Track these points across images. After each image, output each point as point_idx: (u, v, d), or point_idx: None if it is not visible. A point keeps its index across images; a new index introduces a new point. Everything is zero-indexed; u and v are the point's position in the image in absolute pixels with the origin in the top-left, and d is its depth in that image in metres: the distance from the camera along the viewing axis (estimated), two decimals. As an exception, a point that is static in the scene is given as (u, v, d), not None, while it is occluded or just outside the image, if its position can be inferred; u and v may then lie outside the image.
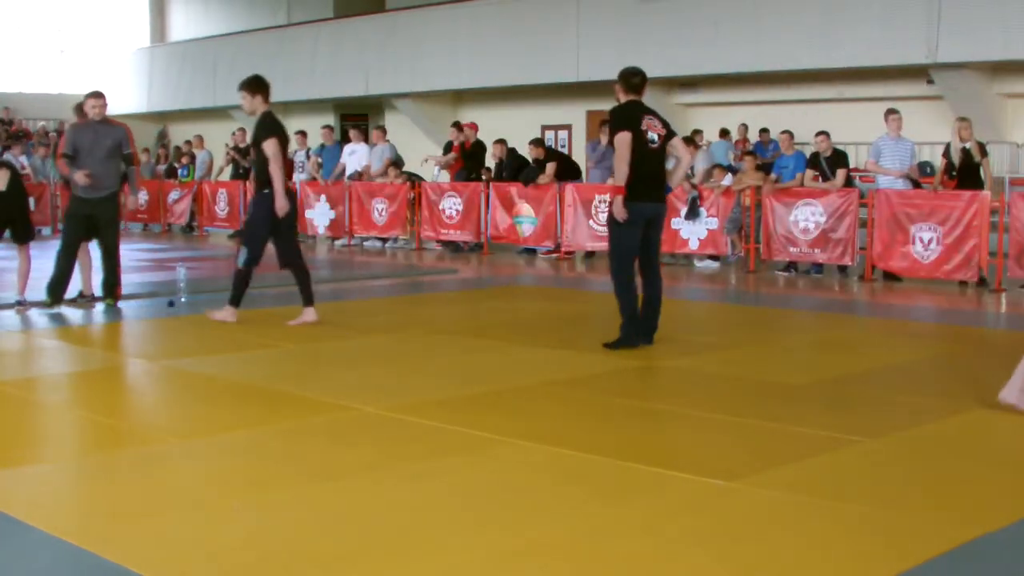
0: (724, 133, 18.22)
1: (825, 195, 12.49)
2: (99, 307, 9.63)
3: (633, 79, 7.40)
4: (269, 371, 6.76)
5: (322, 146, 18.29)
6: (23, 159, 19.75)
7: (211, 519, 3.97)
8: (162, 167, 22.00)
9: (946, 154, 12.11)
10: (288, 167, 18.64)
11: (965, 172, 11.88)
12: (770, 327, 9.10)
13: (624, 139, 7.18)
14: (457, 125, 17.43)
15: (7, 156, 16.57)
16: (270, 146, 8.35)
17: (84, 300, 9.71)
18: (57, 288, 9.32)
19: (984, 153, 11.88)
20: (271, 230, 8.42)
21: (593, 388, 6.34)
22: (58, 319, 9.05)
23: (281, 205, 8.27)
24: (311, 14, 26.03)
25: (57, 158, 9.66)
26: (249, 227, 8.60)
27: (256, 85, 8.52)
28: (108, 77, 30.89)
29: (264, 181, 8.39)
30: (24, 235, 9.45)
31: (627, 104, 7.41)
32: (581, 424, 5.45)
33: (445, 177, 16.98)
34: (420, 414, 5.50)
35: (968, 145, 11.80)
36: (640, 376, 6.76)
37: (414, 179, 16.90)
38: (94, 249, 9.81)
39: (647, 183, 7.34)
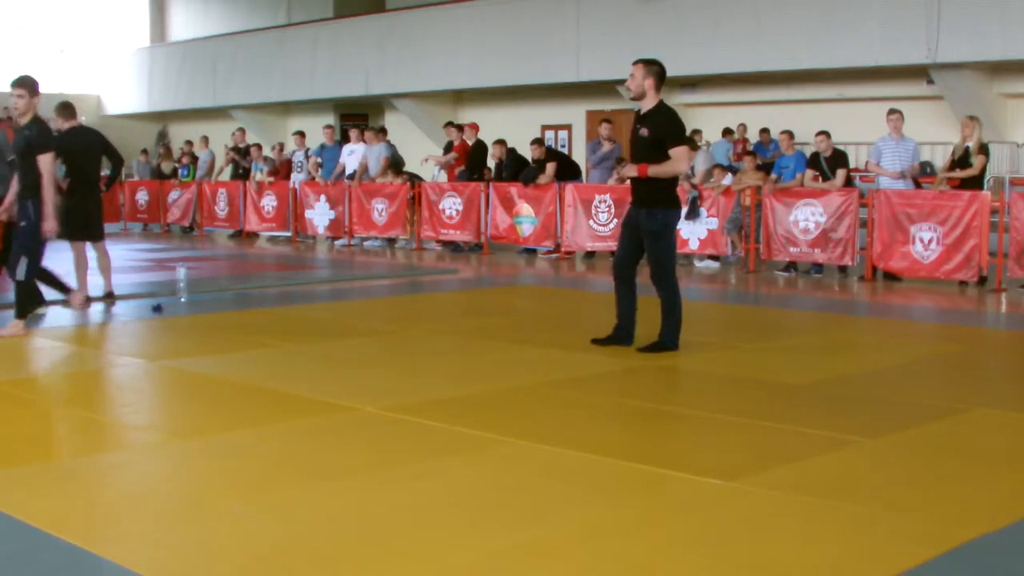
0: (727, 132, 18.21)
1: (825, 195, 12.49)
2: (96, 307, 9.65)
3: (664, 75, 7.28)
4: (269, 371, 6.76)
5: (322, 146, 18.29)
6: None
7: (211, 519, 3.97)
8: (167, 164, 21.94)
9: (953, 152, 12.14)
10: (286, 167, 18.81)
11: (973, 176, 11.88)
12: (770, 327, 9.10)
13: (687, 153, 7.20)
14: (452, 125, 17.42)
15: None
16: (46, 161, 7.95)
17: (81, 298, 9.71)
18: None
19: (982, 152, 11.81)
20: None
21: (593, 388, 6.34)
22: (57, 319, 9.05)
23: (50, 227, 7.94)
24: (311, 14, 26.03)
25: None
26: (26, 236, 8.07)
27: (36, 85, 8.19)
28: (108, 77, 30.93)
29: (36, 189, 7.94)
30: None
31: (674, 109, 7.38)
32: (581, 424, 5.45)
33: (445, 177, 16.99)
34: (420, 414, 5.50)
35: (970, 144, 11.81)
36: (640, 376, 6.76)
37: (415, 179, 16.90)
38: (89, 249, 9.84)
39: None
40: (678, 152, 7.13)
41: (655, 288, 7.38)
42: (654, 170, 7.13)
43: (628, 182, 7.50)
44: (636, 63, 7.24)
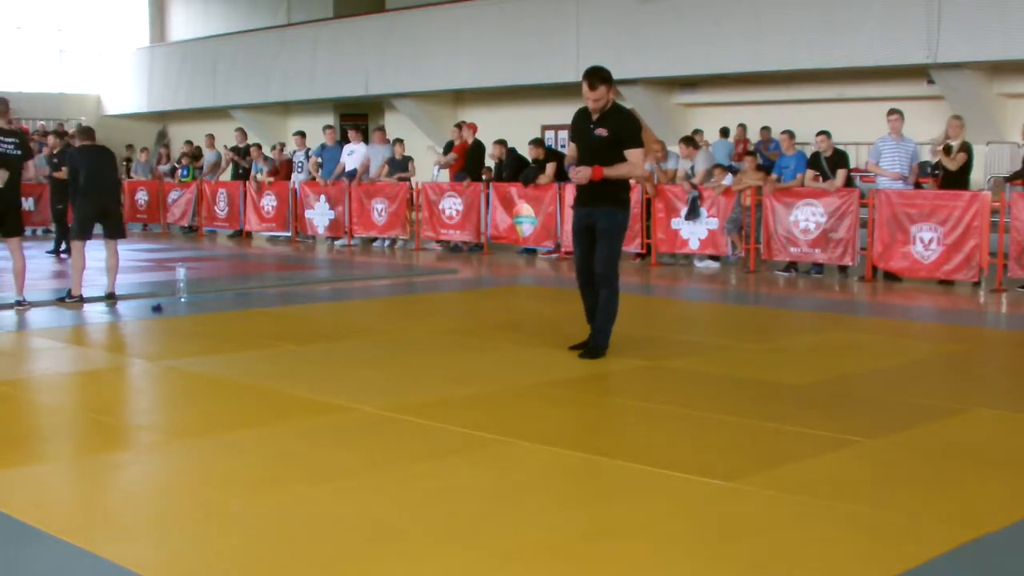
0: (724, 132, 18.20)
1: (825, 195, 12.49)
2: (96, 307, 9.65)
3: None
4: (269, 371, 6.76)
5: (323, 146, 18.30)
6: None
7: (211, 519, 3.97)
8: (164, 167, 21.97)
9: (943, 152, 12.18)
10: (286, 167, 18.82)
11: (948, 171, 11.93)
12: (770, 327, 9.10)
13: (643, 156, 7.12)
14: (460, 125, 17.43)
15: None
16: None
17: (73, 300, 9.73)
18: None
19: (963, 150, 11.84)
20: None
21: (593, 388, 6.34)
22: (57, 319, 9.05)
23: None
24: (311, 14, 26.02)
25: None
26: None
27: None
28: (108, 77, 30.93)
29: None
30: (15, 229, 9.46)
31: (628, 109, 7.34)
32: (581, 424, 5.45)
33: (446, 176, 16.99)
34: (420, 414, 5.50)
35: (953, 143, 11.86)
36: (640, 376, 6.76)
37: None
38: (89, 248, 9.91)
39: None
40: (635, 155, 7.04)
41: (601, 288, 7.18)
42: (609, 172, 7.01)
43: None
44: (597, 86, 6.95)
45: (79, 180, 10.00)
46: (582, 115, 7.21)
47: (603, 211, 7.12)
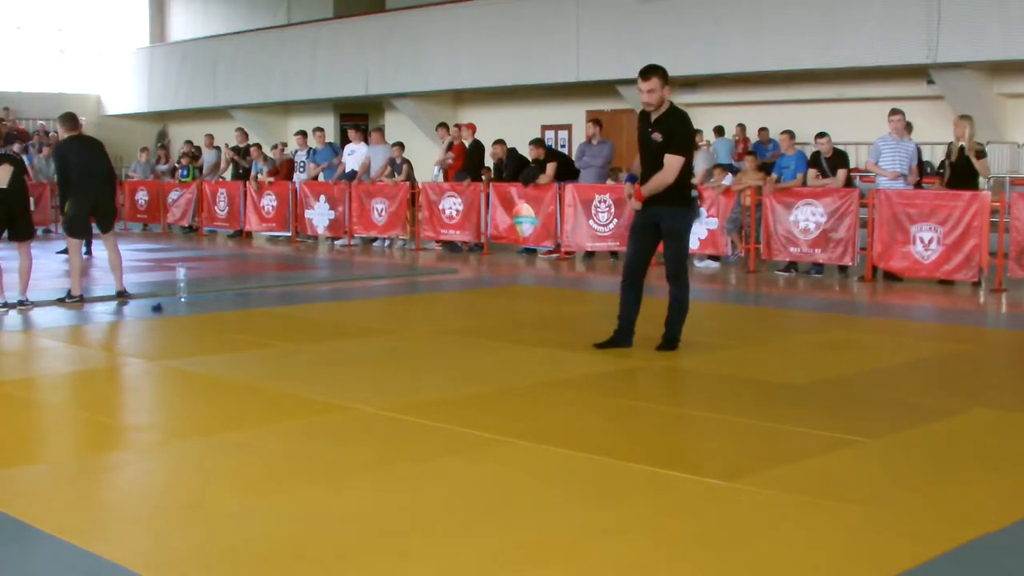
0: (720, 131, 18.18)
1: (825, 195, 12.49)
2: (96, 307, 9.65)
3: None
4: (269, 371, 6.76)
5: (311, 150, 18.34)
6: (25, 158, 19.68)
7: (211, 519, 3.97)
8: (163, 166, 21.98)
9: (948, 153, 12.16)
10: (287, 167, 18.82)
11: (958, 171, 11.91)
12: (770, 327, 9.10)
13: (680, 164, 7.11)
14: (443, 126, 17.39)
15: (12, 149, 16.32)
16: None
17: (73, 300, 9.73)
18: None
19: (981, 154, 11.85)
20: None
21: (593, 388, 6.33)
22: (57, 319, 9.05)
23: None
24: (311, 14, 26.01)
25: None
26: None
27: None
28: (108, 77, 30.93)
29: None
30: (25, 233, 9.47)
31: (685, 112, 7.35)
32: (581, 424, 5.45)
33: (442, 177, 17.00)
34: (420, 414, 5.50)
35: (963, 143, 11.83)
36: (640, 376, 6.76)
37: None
38: (99, 248, 9.92)
39: None
40: (671, 161, 7.07)
41: (671, 286, 7.39)
42: (646, 191, 7.16)
43: (636, 183, 7.42)
44: (650, 76, 7.02)
45: (69, 175, 9.66)
46: (642, 119, 7.30)
47: (670, 210, 7.23)
